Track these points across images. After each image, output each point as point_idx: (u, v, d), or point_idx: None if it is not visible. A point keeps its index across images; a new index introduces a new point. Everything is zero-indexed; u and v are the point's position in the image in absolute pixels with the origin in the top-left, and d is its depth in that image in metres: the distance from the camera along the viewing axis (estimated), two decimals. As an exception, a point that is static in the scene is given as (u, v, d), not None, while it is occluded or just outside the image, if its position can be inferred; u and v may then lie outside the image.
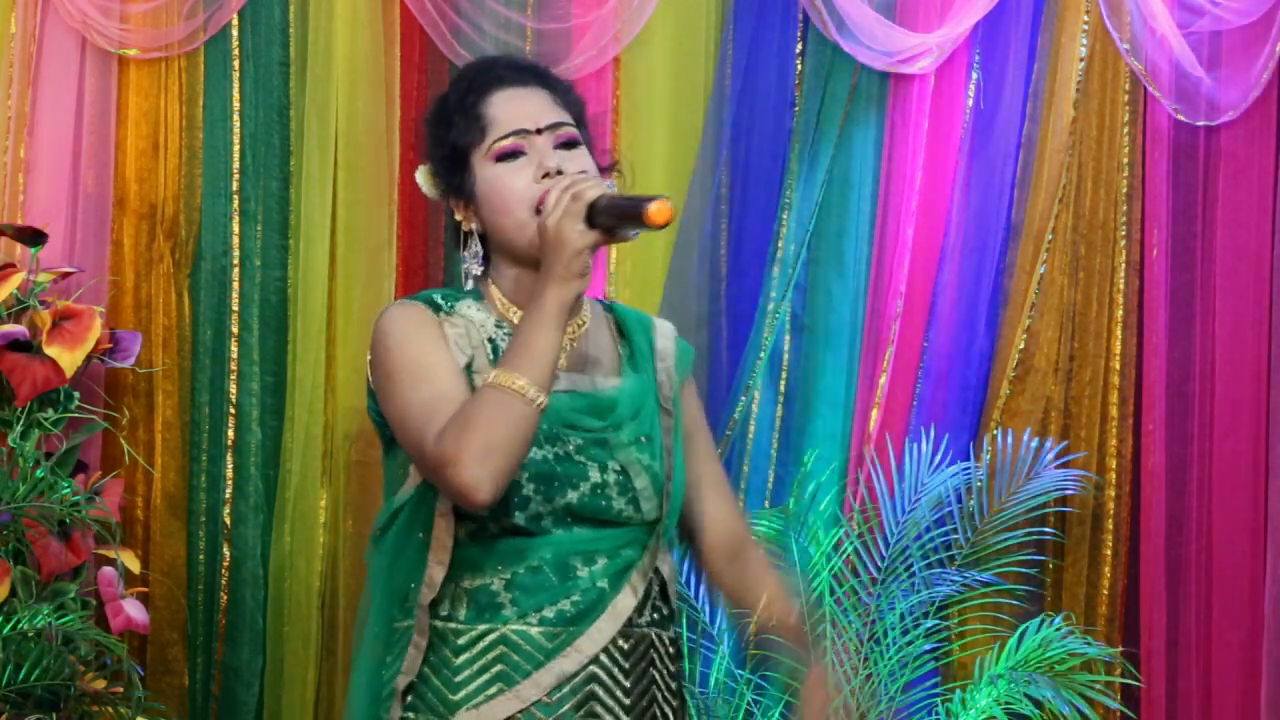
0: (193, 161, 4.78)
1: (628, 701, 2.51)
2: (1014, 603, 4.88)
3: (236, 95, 4.81)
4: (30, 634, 4.18)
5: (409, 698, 2.50)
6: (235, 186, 4.81)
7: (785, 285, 4.94)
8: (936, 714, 4.78)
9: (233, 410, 4.80)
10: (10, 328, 4.42)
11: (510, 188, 2.49)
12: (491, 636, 2.48)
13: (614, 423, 2.53)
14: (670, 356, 2.63)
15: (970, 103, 5.04)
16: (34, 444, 4.43)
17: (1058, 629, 4.74)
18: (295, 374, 4.78)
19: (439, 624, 2.50)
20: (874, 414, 4.95)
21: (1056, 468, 4.89)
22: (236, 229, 4.81)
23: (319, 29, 4.78)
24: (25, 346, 4.42)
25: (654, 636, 2.56)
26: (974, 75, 5.07)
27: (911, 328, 5.00)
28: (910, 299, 4.99)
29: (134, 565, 4.55)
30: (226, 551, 4.79)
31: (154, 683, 4.66)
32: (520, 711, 2.47)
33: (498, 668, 2.48)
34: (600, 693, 2.50)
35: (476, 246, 2.55)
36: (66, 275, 4.59)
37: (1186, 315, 5.04)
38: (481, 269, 2.57)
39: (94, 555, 4.48)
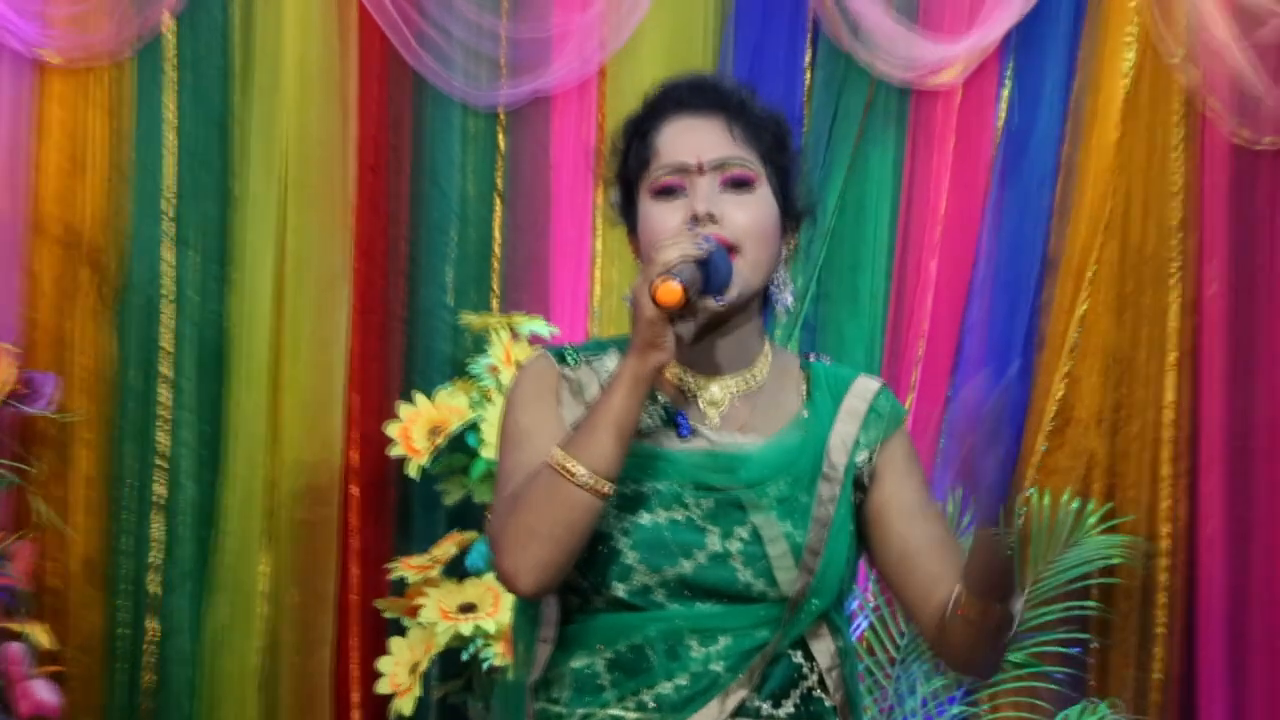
0: (120, 181, 4.72)
1: None
2: (1052, 687, 4.82)
3: (171, 107, 4.73)
4: (-77, 720, 4.22)
5: None
6: (169, 210, 4.74)
7: (792, 325, 4.88)
8: (966, 812, 4.81)
9: (162, 463, 4.73)
10: (-97, 367, 4.43)
11: (658, 229, 2.44)
12: None
13: (747, 481, 2.44)
14: (858, 418, 2.52)
15: (1002, 120, 5.00)
16: (-68, 501, 4.45)
17: (1103, 718, 4.73)
18: (234, 423, 4.72)
19: (547, 707, 2.47)
20: (892, 471, 4.81)
21: (1100, 533, 4.84)
22: (170, 258, 4.74)
23: (266, 33, 4.72)
24: (-78, 390, 4.44)
25: None
26: (1006, 89, 5.01)
27: (935, 374, 4.94)
28: (933, 341, 4.95)
29: (46, 641, 4.47)
30: (152, 625, 4.71)
31: (67, 776, 4.66)
32: None
33: None
34: None
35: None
36: (-28, 309, 4.61)
37: (1248, 360, 4.97)
38: None
39: (-1, 629, 4.48)
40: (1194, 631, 4.92)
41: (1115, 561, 4.83)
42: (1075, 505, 4.81)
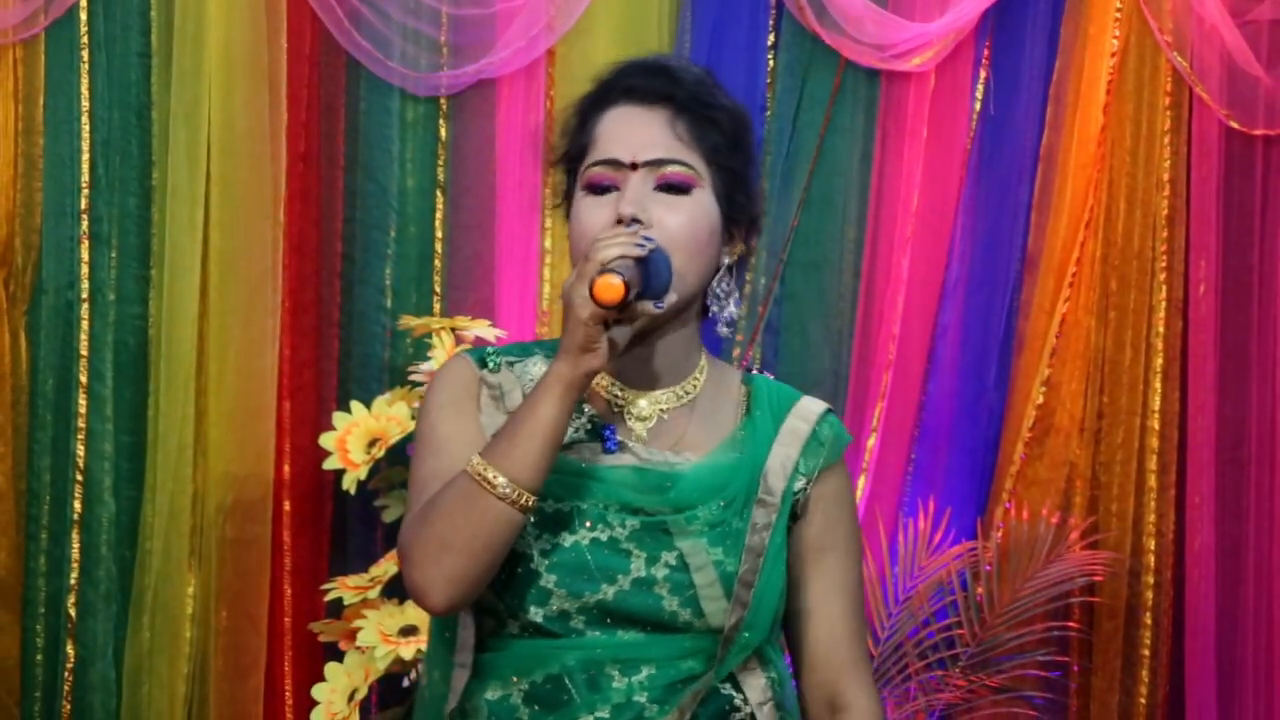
0: (31, 173, 4.66)
1: None
2: (1031, 714, 4.80)
3: (86, 93, 4.66)
4: None
5: None
6: (84, 204, 4.67)
7: (753, 327, 4.86)
8: (939, 846, 4.77)
9: (80, 477, 4.67)
10: None
11: (585, 226, 2.40)
12: None
13: (676, 504, 2.42)
14: (799, 441, 2.49)
15: (978, 107, 4.96)
16: None
17: (1085, 745, 4.80)
18: (158, 433, 4.64)
19: None
20: (861, 483, 4.88)
21: (1082, 549, 4.81)
22: (86, 256, 4.68)
23: (187, 13, 4.63)
24: None
25: None
26: (982, 73, 4.97)
27: (906, 379, 4.91)
28: (905, 344, 4.91)
29: (-47, 669, 4.54)
30: (70, 650, 4.66)
31: (-23, 815, 4.59)
32: None
33: None
34: None
35: None
36: None
37: (1240, 364, 4.94)
38: None
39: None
40: (1181, 654, 4.91)
41: (1098, 579, 4.80)
42: (1056, 519, 4.80)
